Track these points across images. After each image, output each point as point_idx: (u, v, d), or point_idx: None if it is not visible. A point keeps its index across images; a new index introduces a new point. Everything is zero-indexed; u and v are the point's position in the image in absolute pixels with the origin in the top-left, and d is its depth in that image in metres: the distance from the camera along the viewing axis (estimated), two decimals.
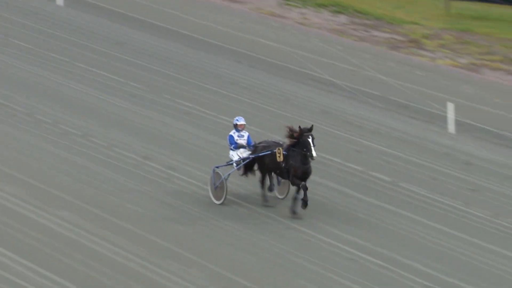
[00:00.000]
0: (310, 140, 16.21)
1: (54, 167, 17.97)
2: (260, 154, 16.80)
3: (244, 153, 17.08)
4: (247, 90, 21.95)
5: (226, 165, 17.20)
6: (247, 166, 17.10)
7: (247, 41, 24.93)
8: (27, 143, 18.98)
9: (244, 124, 17.10)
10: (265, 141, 17.21)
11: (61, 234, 15.34)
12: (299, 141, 16.27)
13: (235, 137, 17.06)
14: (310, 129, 16.38)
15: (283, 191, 17.24)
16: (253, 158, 16.89)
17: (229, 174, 16.96)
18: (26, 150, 18.70)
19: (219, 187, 17.05)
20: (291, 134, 16.47)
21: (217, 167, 17.16)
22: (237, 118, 17.19)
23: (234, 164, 17.14)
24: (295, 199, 16.45)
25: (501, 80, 23.91)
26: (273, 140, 17.15)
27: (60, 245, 15.02)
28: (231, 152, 17.18)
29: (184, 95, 21.75)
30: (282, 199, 17.09)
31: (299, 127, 16.44)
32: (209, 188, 17.16)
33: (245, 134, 17.20)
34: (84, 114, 20.49)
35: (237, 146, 17.08)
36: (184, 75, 22.84)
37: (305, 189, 16.24)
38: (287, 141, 16.54)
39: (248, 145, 17.10)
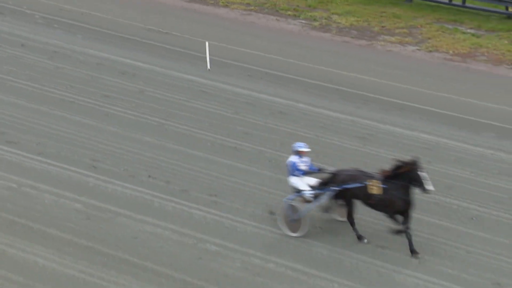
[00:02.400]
0: (423, 173, 14.41)
1: None
2: (350, 186, 14.75)
3: (310, 181, 15.20)
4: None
5: (297, 195, 15.11)
6: (333, 198, 14.90)
7: None
8: None
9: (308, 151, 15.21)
10: (345, 170, 15.16)
11: None
12: (406, 174, 14.40)
13: (298, 163, 15.11)
14: (417, 162, 14.48)
15: (343, 213, 15.21)
16: (339, 189, 14.79)
17: (309, 209, 14.92)
18: None
19: (295, 220, 15.05)
20: (400, 166, 14.52)
21: (290, 199, 15.16)
22: (298, 143, 15.29)
23: (309, 194, 15.01)
24: (408, 239, 14.51)
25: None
26: (356, 168, 15.16)
27: None
28: (294, 179, 15.22)
29: None
30: (342, 221, 15.25)
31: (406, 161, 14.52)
32: (279, 218, 15.13)
33: (307, 159, 15.34)
34: None
35: (304, 173, 15.10)
36: None
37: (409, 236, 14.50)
38: (381, 172, 14.64)
39: (313, 170, 15.17)
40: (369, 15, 26.61)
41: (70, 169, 16.91)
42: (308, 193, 15.28)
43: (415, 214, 15.39)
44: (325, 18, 26.32)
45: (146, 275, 14.09)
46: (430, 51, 24.24)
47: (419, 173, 14.67)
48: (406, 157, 15.61)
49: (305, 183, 15.42)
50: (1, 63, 21.27)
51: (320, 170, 15.49)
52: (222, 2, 26.97)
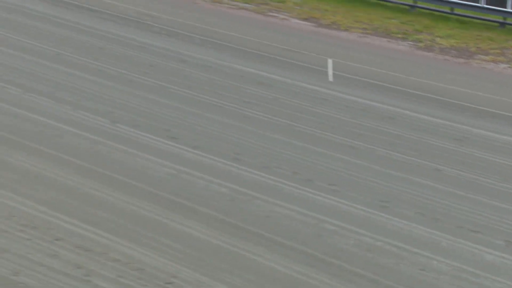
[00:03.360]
0: None
1: None
2: None
3: None
4: None
5: None
6: None
7: None
8: None
9: None
10: None
11: None
12: None
13: None
14: None
15: None
16: None
17: None
18: None
19: None
20: None
21: None
22: None
23: None
24: None
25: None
26: None
27: None
28: None
29: None
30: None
31: None
32: None
33: None
34: None
35: None
36: None
37: None
38: None
39: None
40: (467, 38, 26.12)
41: (217, 160, 17.34)
42: None
43: None
44: (429, 40, 26.00)
45: (276, 247, 14.34)
46: None
47: None
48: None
49: None
50: (166, 75, 21.96)
51: None
52: (343, 27, 27.01)
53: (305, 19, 26.79)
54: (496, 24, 28.35)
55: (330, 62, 22.59)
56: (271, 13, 27.03)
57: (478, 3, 29.77)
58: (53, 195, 15.47)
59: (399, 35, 25.95)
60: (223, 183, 16.31)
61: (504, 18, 28.43)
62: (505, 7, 29.55)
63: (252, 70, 22.52)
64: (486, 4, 29.59)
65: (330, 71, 22.30)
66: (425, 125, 19.40)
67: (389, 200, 16.01)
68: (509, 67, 23.47)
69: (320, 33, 25.74)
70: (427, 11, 29.27)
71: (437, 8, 29.67)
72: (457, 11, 29.38)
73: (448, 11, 29.57)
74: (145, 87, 20.88)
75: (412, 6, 29.01)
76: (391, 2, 28.32)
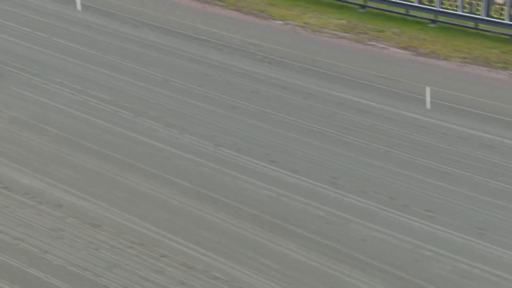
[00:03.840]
0: None
1: None
2: None
3: None
4: None
5: None
6: None
7: None
8: None
9: None
10: None
11: None
12: None
13: None
14: None
15: None
16: None
17: None
18: None
19: None
20: None
21: None
22: None
23: None
24: None
25: None
26: None
27: None
28: None
29: None
30: None
31: None
32: None
33: None
34: None
35: None
36: None
37: None
38: None
39: None
40: None
41: (315, 183, 17.53)
42: None
43: None
44: None
45: (371, 271, 14.37)
46: None
47: None
48: None
49: None
50: (267, 101, 22.33)
51: None
52: (442, 56, 26.80)
53: (404, 48, 26.74)
54: None
55: (428, 90, 22.47)
56: (370, 42, 27.11)
57: None
58: (160, 214, 16.04)
59: (499, 65, 25.50)
60: (320, 206, 16.48)
61: None
62: None
63: (351, 97, 22.65)
64: None
65: (428, 99, 22.18)
66: None
67: (487, 227, 15.76)
68: None
69: (419, 61, 25.60)
70: None
71: None
72: None
73: None
74: (247, 112, 21.34)
75: None
76: (491, 32, 27.88)
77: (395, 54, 26.70)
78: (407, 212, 16.35)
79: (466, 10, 28.12)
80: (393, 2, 29.06)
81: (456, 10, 28.11)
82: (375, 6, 29.62)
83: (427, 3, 28.33)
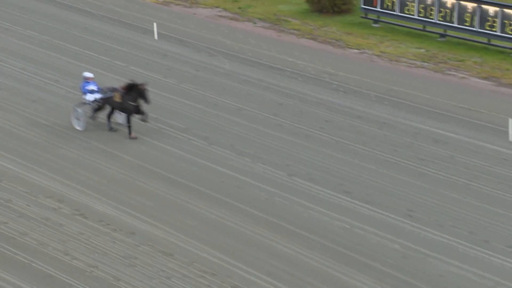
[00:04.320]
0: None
1: None
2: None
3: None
4: None
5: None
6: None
7: None
8: None
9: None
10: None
11: None
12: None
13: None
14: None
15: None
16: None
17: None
18: None
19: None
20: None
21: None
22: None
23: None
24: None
25: None
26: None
27: None
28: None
29: None
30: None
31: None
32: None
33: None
34: None
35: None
36: None
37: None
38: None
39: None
40: None
41: (390, 215, 17.37)
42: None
43: None
44: None
45: None
46: None
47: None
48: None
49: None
50: (342, 130, 22.30)
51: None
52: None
53: (485, 78, 26.30)
54: None
55: (511, 121, 22.03)
56: (449, 72, 26.78)
57: None
58: (231, 243, 16.16)
59: None
60: (395, 239, 16.28)
61: None
62: None
63: (428, 128, 22.39)
64: None
65: (511, 131, 21.74)
66: None
67: None
68: None
69: (501, 92, 25.15)
70: None
71: None
72: None
73: None
74: (320, 141, 21.36)
75: None
76: None
77: (476, 84, 26.30)
78: (487, 247, 15.99)
79: None
80: (474, 31, 28.67)
81: None
82: (455, 35, 29.30)
83: (510, 32, 27.83)
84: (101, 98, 21.12)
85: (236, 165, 19.85)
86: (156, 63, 26.91)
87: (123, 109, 20.74)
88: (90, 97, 21.28)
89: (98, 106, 21.30)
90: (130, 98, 20.42)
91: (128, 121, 20.75)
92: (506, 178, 19.23)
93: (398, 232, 16.61)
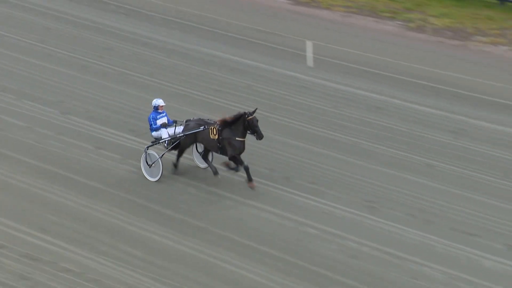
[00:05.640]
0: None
1: None
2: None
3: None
4: None
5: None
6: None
7: None
8: None
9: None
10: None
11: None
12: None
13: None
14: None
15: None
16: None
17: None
18: None
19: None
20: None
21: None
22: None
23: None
24: None
25: None
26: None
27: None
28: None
29: None
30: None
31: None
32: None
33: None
34: None
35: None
36: None
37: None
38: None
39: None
40: (463, 17, 25.72)
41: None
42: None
43: None
44: (421, 20, 25.56)
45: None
46: None
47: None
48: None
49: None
50: (127, 60, 21.43)
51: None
52: (324, 4, 26.52)
53: None
54: (495, 1, 27.99)
55: (309, 45, 22.13)
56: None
57: None
58: None
59: (387, 14, 25.44)
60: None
61: None
62: None
63: (223, 54, 22.03)
64: None
65: (308, 55, 21.85)
66: (417, 115, 18.95)
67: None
68: (510, 49, 23.06)
69: (298, 11, 25.11)
70: None
71: None
72: None
73: None
74: (99, 72, 20.31)
75: None
76: None
77: (271, 3, 26.23)
78: (289, 185, 15.95)
79: None
80: None
81: None
82: None
83: None
84: (186, 133, 15.76)
85: None
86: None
87: (221, 148, 15.54)
88: (165, 133, 15.96)
89: (181, 145, 15.88)
90: (234, 132, 15.40)
91: (239, 162, 15.46)
92: (307, 107, 19.28)
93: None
